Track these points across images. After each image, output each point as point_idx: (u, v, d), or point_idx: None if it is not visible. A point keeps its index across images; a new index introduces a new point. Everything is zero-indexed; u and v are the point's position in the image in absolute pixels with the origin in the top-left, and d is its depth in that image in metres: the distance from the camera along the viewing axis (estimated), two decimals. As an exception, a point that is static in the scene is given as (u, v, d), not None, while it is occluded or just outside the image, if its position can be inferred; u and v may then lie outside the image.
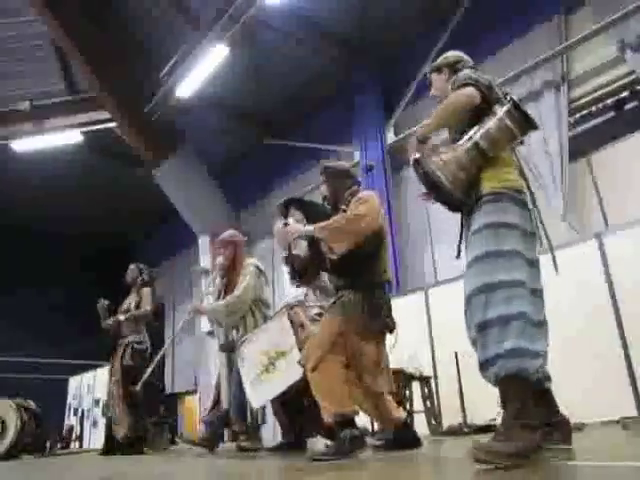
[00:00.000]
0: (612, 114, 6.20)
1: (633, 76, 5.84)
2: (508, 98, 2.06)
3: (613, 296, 4.31)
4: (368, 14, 8.01)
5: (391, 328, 2.95)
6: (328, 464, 2.44)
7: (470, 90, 2.04)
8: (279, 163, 10.42)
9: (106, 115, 10.14)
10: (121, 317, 5.23)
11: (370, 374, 2.89)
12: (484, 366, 1.84)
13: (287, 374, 3.27)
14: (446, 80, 2.40)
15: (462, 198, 2.00)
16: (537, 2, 6.60)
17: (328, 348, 2.73)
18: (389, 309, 2.96)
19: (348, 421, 2.72)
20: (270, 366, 3.36)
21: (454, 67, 2.42)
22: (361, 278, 2.89)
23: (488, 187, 1.98)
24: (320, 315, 3.49)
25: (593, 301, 4.35)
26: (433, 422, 4.84)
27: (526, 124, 2.02)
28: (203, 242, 10.35)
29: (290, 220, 2.99)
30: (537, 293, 1.99)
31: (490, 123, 2.01)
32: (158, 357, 4.98)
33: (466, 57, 2.50)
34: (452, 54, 2.52)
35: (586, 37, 6.13)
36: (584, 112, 6.33)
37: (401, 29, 8.15)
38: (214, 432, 4.35)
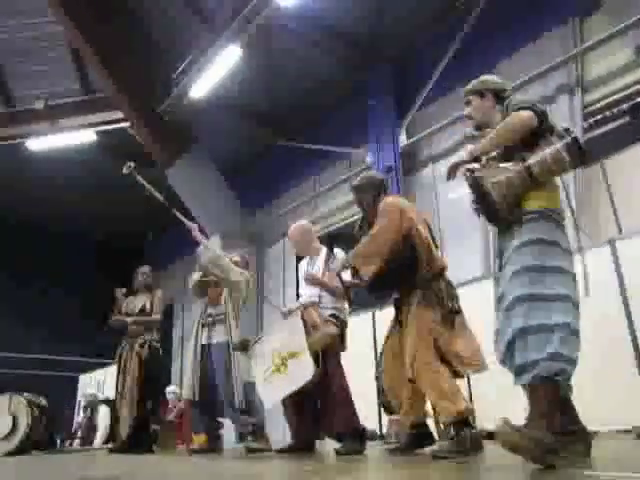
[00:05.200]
0: (627, 119, 6.13)
1: (649, 81, 5.78)
2: (570, 132, 2.13)
3: (626, 302, 4.27)
4: (382, 15, 8.01)
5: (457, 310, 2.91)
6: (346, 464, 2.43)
7: (529, 113, 2.12)
8: (292, 164, 10.43)
9: (120, 115, 10.22)
10: (129, 319, 5.21)
11: None
12: (521, 369, 1.89)
13: (298, 374, 3.26)
14: (492, 107, 2.42)
15: (507, 216, 2.10)
16: (552, 5, 6.56)
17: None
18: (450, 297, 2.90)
19: (466, 420, 2.72)
20: (282, 366, 3.36)
21: (500, 95, 2.43)
22: (410, 282, 2.87)
23: (534, 205, 2.08)
24: (334, 317, 3.49)
25: (605, 307, 4.29)
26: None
27: (580, 160, 2.09)
28: (215, 242, 10.34)
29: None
30: (577, 306, 2.06)
31: (547, 152, 2.08)
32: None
33: (508, 85, 2.51)
34: (492, 79, 2.52)
35: (601, 41, 6.08)
36: (598, 116, 6.26)
37: (415, 30, 8.14)
38: (212, 435, 4.44)
